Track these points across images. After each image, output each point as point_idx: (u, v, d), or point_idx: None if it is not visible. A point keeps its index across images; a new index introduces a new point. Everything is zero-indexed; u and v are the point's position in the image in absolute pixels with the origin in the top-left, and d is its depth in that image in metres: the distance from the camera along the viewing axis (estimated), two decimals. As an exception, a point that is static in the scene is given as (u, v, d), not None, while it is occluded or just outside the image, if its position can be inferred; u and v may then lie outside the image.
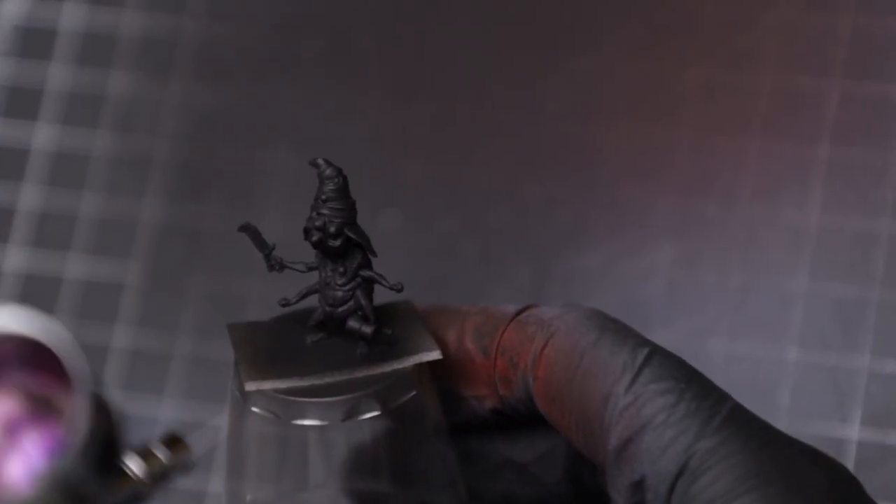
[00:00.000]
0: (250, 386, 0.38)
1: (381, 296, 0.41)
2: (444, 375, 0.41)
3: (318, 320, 0.41)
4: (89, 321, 0.66)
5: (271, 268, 0.43)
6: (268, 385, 0.39)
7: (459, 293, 0.64)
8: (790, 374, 0.61)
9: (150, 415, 0.64)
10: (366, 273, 0.41)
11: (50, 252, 0.67)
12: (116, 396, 0.65)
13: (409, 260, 0.65)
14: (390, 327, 0.40)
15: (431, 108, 0.66)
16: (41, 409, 0.40)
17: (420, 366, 0.39)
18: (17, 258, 0.67)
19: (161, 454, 0.45)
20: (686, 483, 0.35)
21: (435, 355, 0.38)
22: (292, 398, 0.38)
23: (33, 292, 0.66)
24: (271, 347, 0.41)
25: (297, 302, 0.42)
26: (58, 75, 0.69)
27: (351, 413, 0.38)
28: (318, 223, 0.42)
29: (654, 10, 0.66)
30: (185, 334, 0.65)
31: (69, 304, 0.66)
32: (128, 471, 0.43)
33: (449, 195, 0.66)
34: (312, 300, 0.42)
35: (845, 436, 0.60)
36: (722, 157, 0.64)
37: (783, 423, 0.61)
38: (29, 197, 0.68)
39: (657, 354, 0.37)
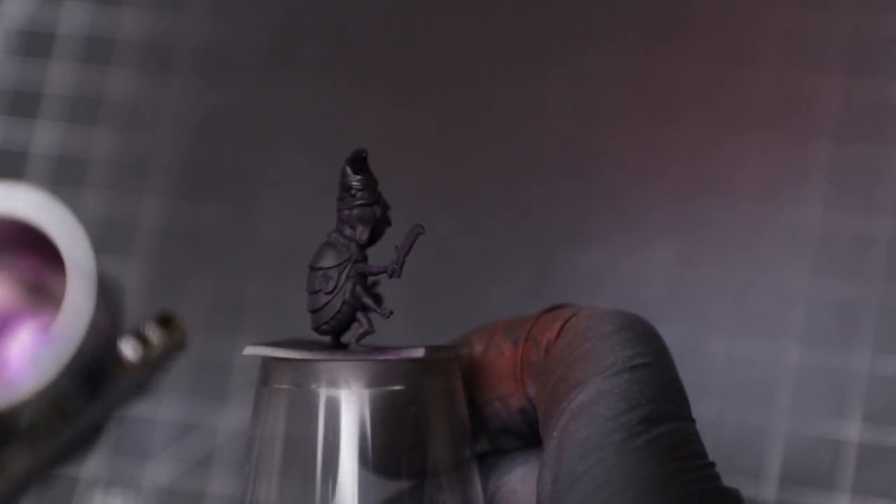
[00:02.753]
0: (248, 350, 0.39)
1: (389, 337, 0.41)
2: (473, 380, 0.42)
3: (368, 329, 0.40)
4: (89, 321, 0.66)
5: (399, 274, 0.41)
6: (263, 351, 0.39)
7: (459, 293, 0.64)
8: (790, 374, 0.61)
9: (150, 415, 0.64)
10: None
11: (50, 252, 0.67)
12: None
13: (409, 260, 0.65)
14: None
15: (431, 108, 0.66)
16: (39, 297, 0.39)
17: (423, 369, 0.39)
18: (17, 258, 0.67)
19: (155, 336, 0.43)
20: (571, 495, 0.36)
21: (418, 353, 0.38)
22: (308, 361, 0.38)
23: (33, 292, 0.66)
24: (300, 345, 0.40)
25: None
26: (58, 75, 0.69)
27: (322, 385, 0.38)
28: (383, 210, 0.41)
29: (654, 10, 0.66)
30: (185, 334, 0.65)
31: (69, 305, 0.66)
32: (125, 358, 0.42)
33: (449, 195, 0.66)
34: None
35: (845, 436, 0.60)
36: (722, 157, 0.64)
37: (783, 423, 0.61)
38: (29, 197, 0.68)
39: (651, 368, 0.38)
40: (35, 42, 0.69)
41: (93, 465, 0.64)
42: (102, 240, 0.67)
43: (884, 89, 0.64)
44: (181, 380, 0.65)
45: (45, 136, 0.68)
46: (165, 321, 0.44)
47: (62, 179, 0.68)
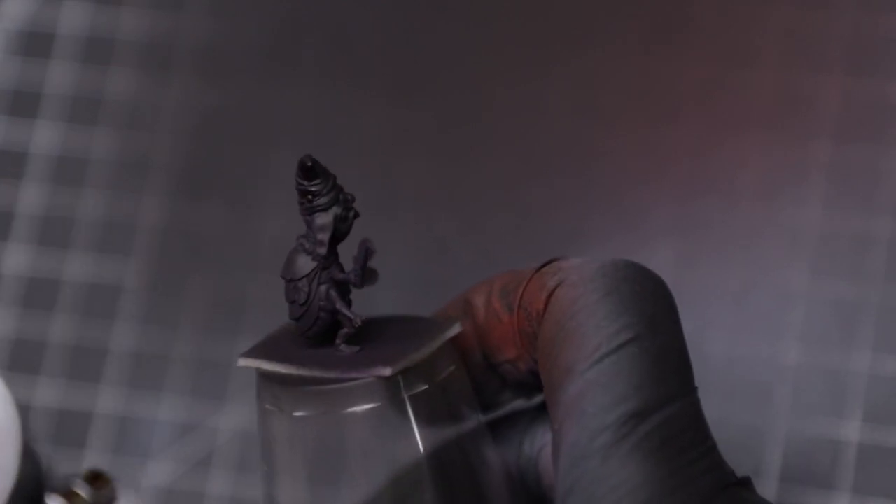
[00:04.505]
0: (241, 361, 0.39)
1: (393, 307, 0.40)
2: (482, 342, 0.41)
3: (355, 328, 0.40)
4: (89, 321, 0.66)
5: (360, 284, 0.40)
6: (256, 364, 0.38)
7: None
8: (790, 374, 0.61)
9: (150, 415, 0.64)
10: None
11: (50, 252, 0.67)
12: (117, 397, 0.65)
13: (409, 260, 0.65)
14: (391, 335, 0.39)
15: (431, 108, 0.66)
16: None
17: (433, 364, 0.38)
18: (17, 258, 0.67)
19: (84, 492, 0.44)
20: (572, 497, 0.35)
21: (385, 372, 0.37)
22: (287, 388, 0.38)
23: (33, 292, 0.66)
24: (290, 345, 0.40)
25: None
26: (58, 75, 0.69)
27: (339, 405, 0.38)
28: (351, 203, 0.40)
29: (654, 10, 0.66)
30: (185, 334, 0.65)
31: (69, 304, 0.66)
32: None
33: (449, 195, 0.66)
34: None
35: (845, 436, 0.60)
36: (722, 157, 0.64)
37: (783, 423, 0.61)
38: (29, 197, 0.68)
39: (640, 342, 0.36)
40: (35, 42, 0.69)
41: (92, 465, 0.64)
42: (102, 240, 0.67)
43: (884, 89, 0.64)
44: (181, 380, 0.65)
45: (45, 136, 0.68)
46: (94, 478, 0.45)
47: (62, 179, 0.68)
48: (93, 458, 0.64)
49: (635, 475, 0.34)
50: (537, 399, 0.42)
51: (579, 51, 0.66)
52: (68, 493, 0.44)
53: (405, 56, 0.67)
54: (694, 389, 0.37)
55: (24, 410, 0.64)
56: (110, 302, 0.66)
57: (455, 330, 0.40)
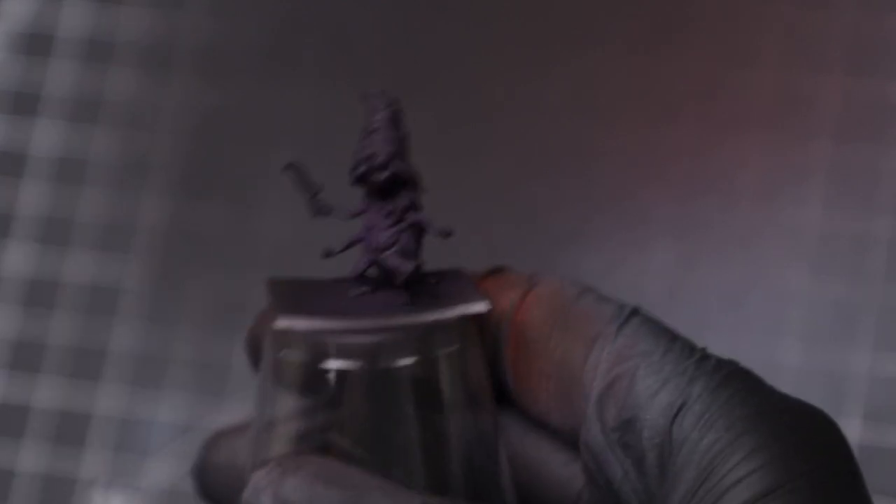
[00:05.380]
0: (281, 323, 0.35)
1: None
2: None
3: (362, 268, 0.37)
4: (89, 321, 0.66)
5: (317, 212, 0.39)
6: (299, 324, 0.36)
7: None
8: (790, 374, 0.61)
9: (150, 415, 0.64)
10: (414, 216, 0.38)
11: (50, 252, 0.67)
12: (117, 397, 0.65)
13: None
14: (438, 283, 0.37)
15: (431, 108, 0.66)
16: None
17: (466, 323, 0.36)
18: (17, 258, 0.67)
19: None
20: (682, 419, 0.36)
21: (482, 307, 0.36)
22: (319, 339, 0.36)
23: (33, 292, 0.66)
24: (310, 295, 0.38)
25: (341, 251, 0.38)
26: (58, 75, 0.69)
27: (380, 359, 0.36)
28: (363, 154, 0.38)
29: (654, 10, 0.66)
30: (185, 334, 0.65)
31: (69, 304, 0.66)
32: None
33: (449, 195, 0.66)
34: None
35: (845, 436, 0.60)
36: (722, 157, 0.64)
37: (783, 423, 0.61)
38: (29, 197, 0.68)
39: (642, 311, 0.38)
40: (36, 42, 0.69)
41: (92, 465, 0.64)
42: (102, 240, 0.67)
43: (884, 89, 0.64)
44: (181, 380, 0.65)
45: (45, 136, 0.68)
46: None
47: (62, 179, 0.68)
48: (93, 458, 0.64)
49: (727, 387, 0.37)
50: None
51: (579, 51, 0.66)
52: None
53: (405, 56, 0.67)
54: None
55: (24, 410, 0.65)
56: (110, 302, 0.66)
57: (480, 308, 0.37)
